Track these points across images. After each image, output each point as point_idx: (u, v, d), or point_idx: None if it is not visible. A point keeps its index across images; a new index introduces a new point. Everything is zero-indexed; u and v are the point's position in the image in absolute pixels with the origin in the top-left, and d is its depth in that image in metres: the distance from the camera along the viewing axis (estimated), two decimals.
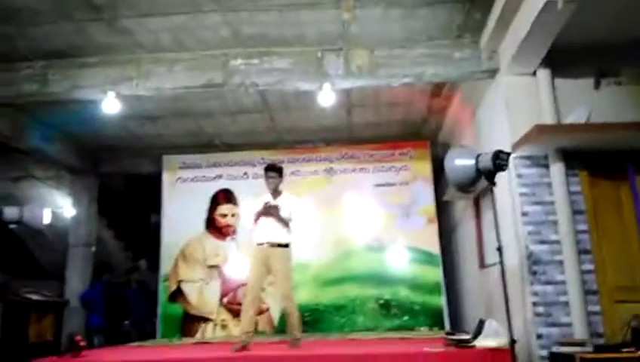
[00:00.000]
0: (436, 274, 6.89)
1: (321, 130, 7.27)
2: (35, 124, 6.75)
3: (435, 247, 6.98)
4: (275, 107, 6.48)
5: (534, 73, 4.43)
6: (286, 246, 4.79)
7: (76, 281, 7.74)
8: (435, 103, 6.47)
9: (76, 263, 7.87)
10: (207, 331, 7.05)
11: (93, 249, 8.12)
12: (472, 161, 3.66)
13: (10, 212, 5.69)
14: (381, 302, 6.89)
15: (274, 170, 4.90)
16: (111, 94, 5.14)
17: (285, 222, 4.77)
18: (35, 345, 5.45)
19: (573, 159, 4.27)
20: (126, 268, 8.60)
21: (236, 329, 6.95)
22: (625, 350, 3.44)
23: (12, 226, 5.76)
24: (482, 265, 5.79)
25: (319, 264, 7.06)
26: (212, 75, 5.06)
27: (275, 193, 4.90)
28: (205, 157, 7.71)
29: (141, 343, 6.54)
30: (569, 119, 4.19)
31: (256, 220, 4.82)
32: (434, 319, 6.73)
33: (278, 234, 4.76)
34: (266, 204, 4.77)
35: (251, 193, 7.38)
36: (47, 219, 6.77)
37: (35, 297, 5.62)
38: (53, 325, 5.99)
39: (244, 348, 4.50)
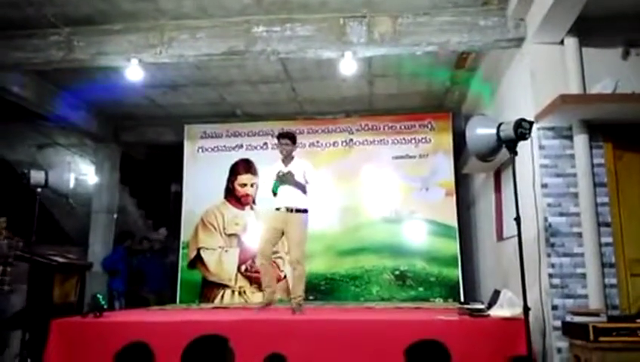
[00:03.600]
0: (453, 246, 6.91)
1: (341, 101, 7.25)
2: (60, 91, 6.88)
3: (452, 220, 7.00)
4: (295, 77, 6.47)
5: (561, 42, 4.33)
6: (304, 211, 4.88)
7: (99, 247, 7.97)
8: (459, 74, 6.38)
9: (99, 229, 8.09)
10: (226, 297, 7.21)
11: (115, 216, 8.31)
12: (494, 130, 3.62)
13: (37, 175, 5.79)
14: (397, 273, 6.96)
15: (287, 137, 5.01)
16: (134, 61, 5.16)
17: (302, 187, 4.86)
18: (60, 305, 5.61)
19: (598, 131, 4.20)
20: (142, 236, 8.78)
21: (254, 296, 7.14)
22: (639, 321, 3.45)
23: (38, 190, 5.85)
24: (500, 237, 5.78)
25: (336, 234, 7.13)
26: (234, 42, 5.04)
27: (287, 159, 5.02)
28: (226, 126, 7.79)
29: (161, 307, 6.74)
30: (595, 89, 4.10)
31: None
32: (449, 291, 6.78)
33: (296, 199, 4.85)
34: (279, 173, 4.86)
35: (271, 163, 7.50)
36: (72, 184, 6.90)
37: (59, 259, 5.76)
38: (77, 287, 6.14)
39: (268, 304, 4.89)
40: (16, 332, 5.54)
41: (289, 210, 4.82)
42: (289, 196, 4.84)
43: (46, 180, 5.94)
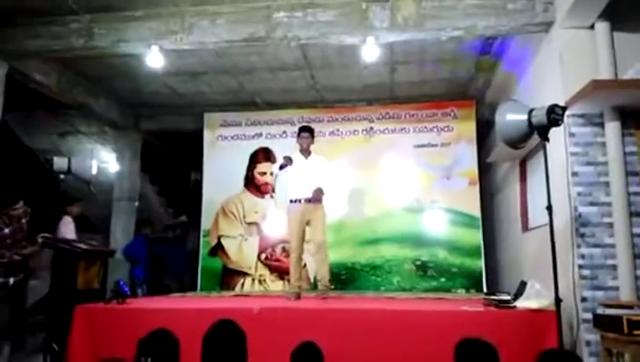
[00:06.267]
0: (476, 236, 6.81)
1: (362, 88, 7.14)
2: (81, 79, 6.90)
3: (475, 210, 6.88)
4: (316, 64, 6.38)
5: (592, 26, 4.16)
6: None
7: (120, 234, 8.01)
8: (484, 60, 6.20)
9: (120, 217, 8.13)
10: (246, 285, 7.24)
11: (137, 204, 8.36)
12: (525, 116, 3.53)
13: (60, 162, 5.85)
14: (418, 263, 6.89)
15: (307, 131, 5.41)
16: (155, 48, 5.13)
17: (321, 190, 5.22)
18: (83, 291, 5.67)
19: (630, 118, 4.03)
20: (166, 224, 8.84)
21: (273, 285, 7.15)
22: None
23: (61, 176, 5.91)
24: (525, 228, 5.66)
25: (357, 223, 7.08)
26: (255, 28, 4.96)
27: (306, 152, 5.38)
28: (245, 115, 7.77)
29: (182, 294, 6.79)
30: (627, 75, 3.95)
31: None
32: (471, 281, 6.68)
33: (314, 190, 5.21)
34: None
35: (290, 152, 7.46)
36: (93, 171, 6.94)
37: (82, 246, 5.82)
38: (100, 274, 6.20)
39: (298, 296, 5.15)
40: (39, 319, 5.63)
41: (307, 200, 5.18)
42: (307, 189, 5.18)
43: (69, 167, 6.00)
